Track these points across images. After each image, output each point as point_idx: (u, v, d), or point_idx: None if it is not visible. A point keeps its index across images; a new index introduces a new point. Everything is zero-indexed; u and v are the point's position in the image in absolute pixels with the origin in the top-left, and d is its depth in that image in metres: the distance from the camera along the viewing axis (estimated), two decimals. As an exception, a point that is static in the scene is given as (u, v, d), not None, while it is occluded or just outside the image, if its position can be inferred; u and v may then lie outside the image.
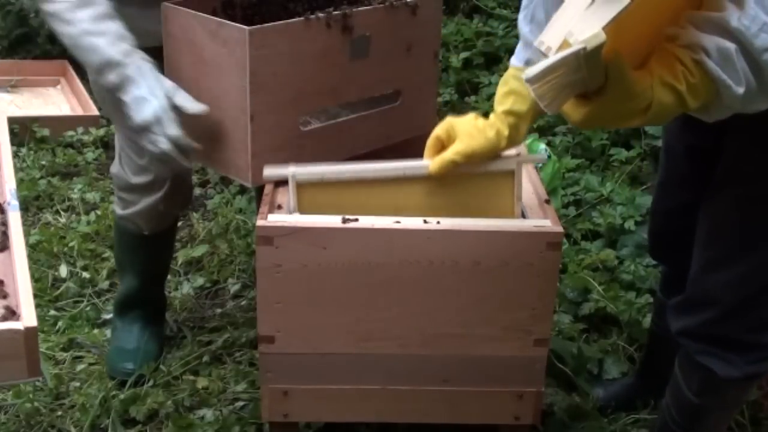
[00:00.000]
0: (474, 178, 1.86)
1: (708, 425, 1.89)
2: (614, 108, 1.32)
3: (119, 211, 2.35)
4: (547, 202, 1.93)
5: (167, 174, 2.06)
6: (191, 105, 1.89)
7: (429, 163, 1.83)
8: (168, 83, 1.90)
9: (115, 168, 2.32)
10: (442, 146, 1.83)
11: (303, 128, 1.99)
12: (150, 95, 1.87)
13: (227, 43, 1.85)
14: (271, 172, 1.87)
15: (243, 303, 2.75)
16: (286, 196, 1.91)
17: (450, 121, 1.82)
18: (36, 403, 2.27)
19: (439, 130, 1.83)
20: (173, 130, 1.88)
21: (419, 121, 2.24)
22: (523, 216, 1.90)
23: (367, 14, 2.01)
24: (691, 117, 1.56)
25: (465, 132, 1.80)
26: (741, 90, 1.34)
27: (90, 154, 3.72)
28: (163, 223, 2.35)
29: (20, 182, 3.31)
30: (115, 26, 1.91)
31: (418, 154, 1.87)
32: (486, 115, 1.83)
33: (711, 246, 1.72)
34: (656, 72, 1.34)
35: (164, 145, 1.88)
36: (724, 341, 1.74)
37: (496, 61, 4.41)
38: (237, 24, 1.85)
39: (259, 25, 1.84)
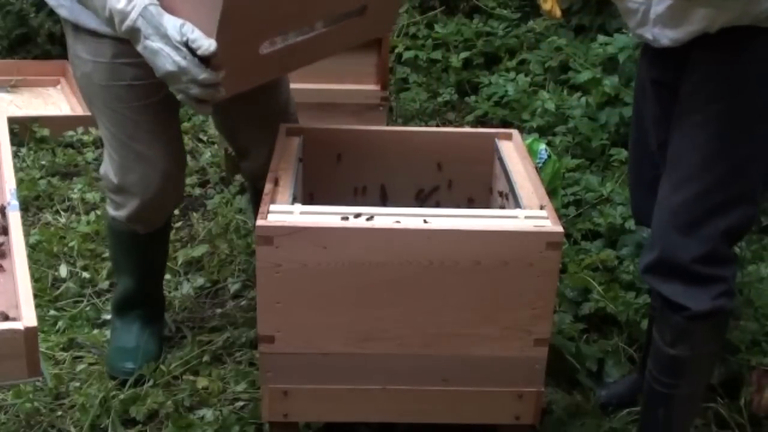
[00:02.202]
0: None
1: (688, 376, 1.94)
2: None
3: (112, 212, 2.32)
4: (541, 208, 1.93)
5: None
6: (205, 44, 1.76)
7: None
8: (174, 22, 1.78)
9: (102, 168, 2.29)
10: None
11: (262, 51, 1.90)
12: (164, 45, 1.78)
13: None
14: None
15: (243, 303, 2.75)
16: (286, 195, 1.91)
17: None
18: (36, 403, 2.27)
19: None
20: (201, 74, 1.78)
21: (379, 27, 2.16)
22: (519, 205, 1.91)
23: None
24: (657, 55, 1.85)
25: None
26: None
27: (90, 154, 3.72)
28: (155, 223, 2.33)
29: (20, 182, 3.30)
30: None
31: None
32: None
33: (671, 172, 1.84)
34: None
35: (195, 91, 1.80)
36: (685, 274, 1.82)
37: (496, 61, 4.41)
38: None
39: None
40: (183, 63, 1.77)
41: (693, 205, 1.80)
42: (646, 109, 2.02)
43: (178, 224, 3.18)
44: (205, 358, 2.48)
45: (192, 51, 1.77)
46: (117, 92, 2.12)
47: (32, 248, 2.94)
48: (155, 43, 1.79)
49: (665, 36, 1.81)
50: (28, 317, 1.33)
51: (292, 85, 2.44)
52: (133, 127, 2.16)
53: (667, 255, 1.84)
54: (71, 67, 2.24)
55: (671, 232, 1.83)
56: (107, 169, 2.25)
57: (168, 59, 1.78)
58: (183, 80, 1.79)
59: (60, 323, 2.61)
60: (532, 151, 3.09)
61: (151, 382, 2.36)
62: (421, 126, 3.93)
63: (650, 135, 2.01)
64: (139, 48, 1.83)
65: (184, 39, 1.76)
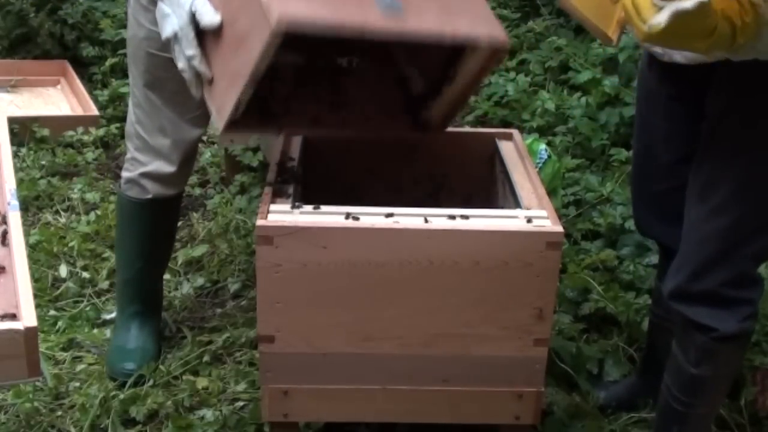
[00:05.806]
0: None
1: (707, 395, 1.94)
2: (693, 22, 1.46)
3: (127, 174, 2.36)
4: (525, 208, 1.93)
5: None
6: (207, 18, 1.82)
7: None
8: None
9: (130, 128, 2.34)
10: None
11: None
12: (172, 11, 1.86)
13: None
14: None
15: (243, 303, 2.75)
16: (286, 195, 1.91)
17: None
18: (36, 403, 2.27)
19: None
20: (189, 49, 1.85)
21: None
22: (519, 205, 1.91)
23: None
24: (668, 69, 1.79)
25: None
26: None
27: (90, 154, 3.72)
28: (165, 189, 2.35)
29: (20, 182, 3.30)
30: None
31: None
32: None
33: (704, 199, 1.80)
34: (719, 5, 1.50)
35: (181, 63, 1.87)
36: (712, 297, 1.81)
37: (496, 61, 4.40)
38: None
39: None
40: (179, 32, 1.85)
41: (727, 233, 1.77)
42: (654, 123, 1.97)
43: (179, 224, 3.18)
44: (205, 358, 2.48)
45: (196, 25, 1.84)
46: (164, 62, 2.18)
47: (32, 248, 2.94)
48: (167, 7, 1.88)
49: (680, 54, 1.75)
50: (28, 317, 1.33)
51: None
52: (170, 94, 2.25)
53: (695, 282, 1.82)
54: (127, 25, 2.30)
55: (702, 260, 1.80)
56: (135, 128, 2.31)
57: (170, 24, 1.87)
58: (176, 49, 1.88)
59: (60, 323, 2.61)
60: (532, 151, 3.09)
61: (151, 382, 2.36)
62: (421, 126, 3.92)
63: (659, 149, 1.98)
64: (156, 11, 1.92)
65: (193, 10, 1.83)
